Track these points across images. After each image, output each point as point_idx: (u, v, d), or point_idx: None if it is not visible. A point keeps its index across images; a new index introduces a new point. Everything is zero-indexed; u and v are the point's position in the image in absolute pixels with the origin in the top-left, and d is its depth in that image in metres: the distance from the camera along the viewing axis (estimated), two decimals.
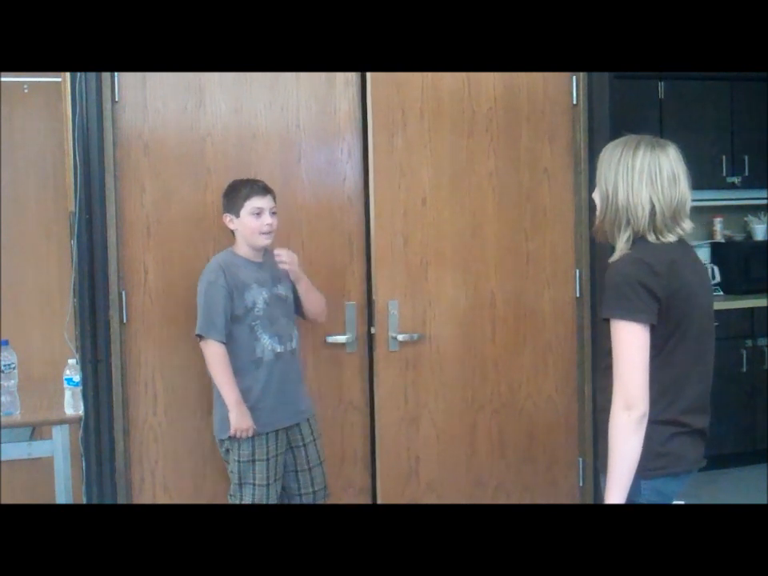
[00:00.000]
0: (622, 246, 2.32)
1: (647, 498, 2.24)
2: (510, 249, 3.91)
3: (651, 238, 2.30)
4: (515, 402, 3.95)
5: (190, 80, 3.58)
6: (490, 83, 3.84)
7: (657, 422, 2.24)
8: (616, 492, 2.18)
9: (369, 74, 3.61)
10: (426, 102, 3.75)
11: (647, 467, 2.22)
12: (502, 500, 3.91)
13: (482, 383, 3.90)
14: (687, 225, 2.35)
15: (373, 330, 3.71)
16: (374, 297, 3.69)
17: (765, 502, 4.28)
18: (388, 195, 3.70)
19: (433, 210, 3.79)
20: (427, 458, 3.82)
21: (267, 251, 3.40)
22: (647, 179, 2.28)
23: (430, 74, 3.72)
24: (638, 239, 2.31)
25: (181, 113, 3.60)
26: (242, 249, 3.36)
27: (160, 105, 3.58)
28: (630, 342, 2.21)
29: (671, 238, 2.31)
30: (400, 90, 3.70)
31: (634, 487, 2.21)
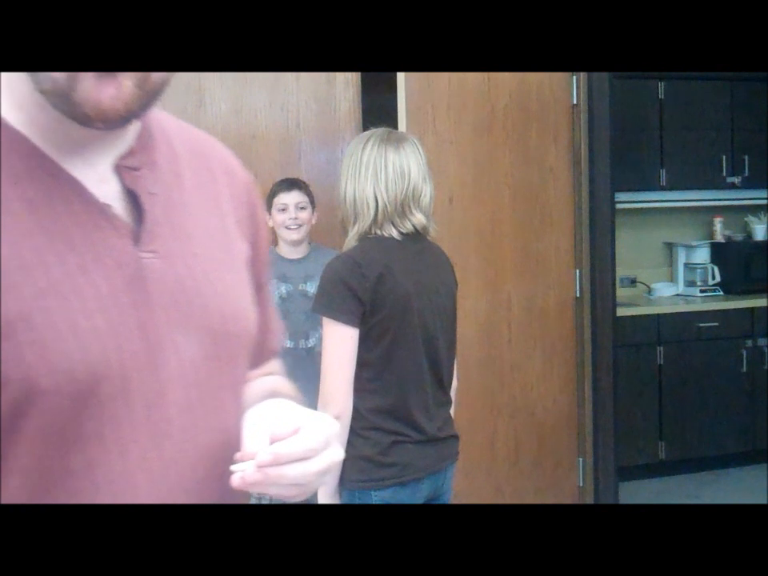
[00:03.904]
0: (350, 241, 2.26)
1: None
2: (523, 249, 3.91)
3: (375, 233, 2.22)
4: (527, 405, 3.94)
5: (190, 80, 3.58)
6: (506, 80, 3.83)
7: (377, 430, 2.20)
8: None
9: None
10: (452, 98, 3.74)
11: (372, 478, 2.19)
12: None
13: (500, 388, 3.89)
14: (417, 219, 2.24)
15: None
16: None
17: (765, 502, 4.28)
18: None
19: (459, 208, 3.78)
20: None
21: (315, 248, 3.45)
22: (372, 174, 2.23)
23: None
24: (367, 235, 2.24)
25: (181, 113, 3.59)
26: (279, 246, 3.46)
27: (159, 105, 3.57)
28: (334, 340, 2.15)
29: (394, 233, 2.23)
30: (430, 85, 3.69)
31: (365, 497, 2.19)
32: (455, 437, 2.36)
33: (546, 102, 3.92)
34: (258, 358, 1.14)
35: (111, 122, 0.88)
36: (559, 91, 3.94)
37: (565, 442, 4.03)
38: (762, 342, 5.33)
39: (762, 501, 4.38)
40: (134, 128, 1.00)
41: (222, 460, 0.93)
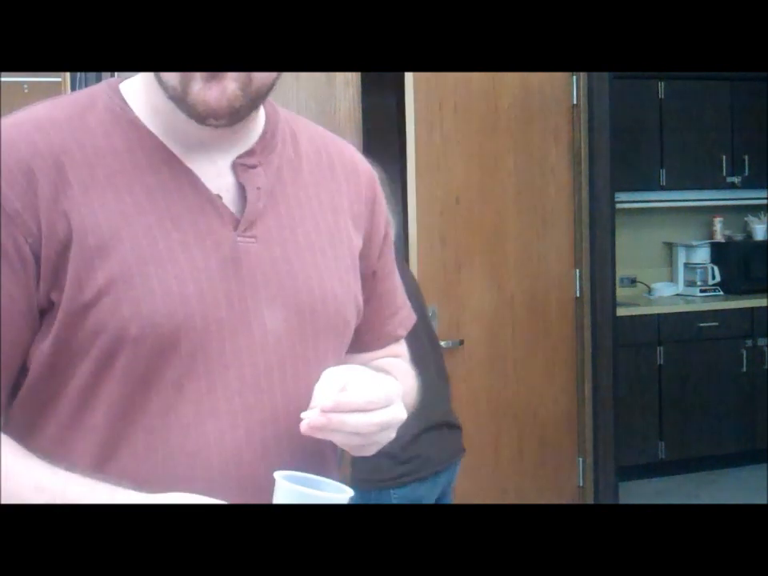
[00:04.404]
0: None
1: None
2: (526, 248, 3.90)
3: None
4: (530, 405, 3.94)
5: None
6: (509, 80, 3.82)
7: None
8: None
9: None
10: (459, 98, 3.73)
11: (391, 476, 2.14)
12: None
13: (505, 388, 3.88)
14: None
15: None
16: None
17: (765, 502, 4.28)
18: (426, 193, 3.65)
19: (465, 209, 3.76)
20: None
21: None
22: None
23: None
24: None
25: None
26: None
27: None
28: None
29: None
30: (438, 85, 3.68)
31: (384, 497, 2.15)
32: (460, 428, 2.39)
33: (547, 102, 3.92)
34: (376, 340, 1.28)
35: (220, 118, 1.03)
36: (559, 91, 3.93)
37: (565, 442, 4.03)
38: (762, 341, 5.34)
39: (762, 501, 4.38)
40: (256, 131, 1.15)
41: (294, 424, 1.02)
